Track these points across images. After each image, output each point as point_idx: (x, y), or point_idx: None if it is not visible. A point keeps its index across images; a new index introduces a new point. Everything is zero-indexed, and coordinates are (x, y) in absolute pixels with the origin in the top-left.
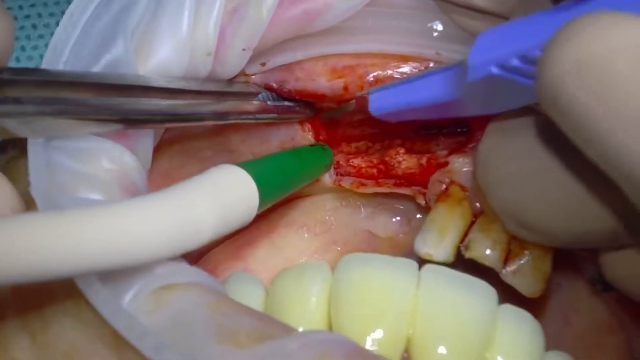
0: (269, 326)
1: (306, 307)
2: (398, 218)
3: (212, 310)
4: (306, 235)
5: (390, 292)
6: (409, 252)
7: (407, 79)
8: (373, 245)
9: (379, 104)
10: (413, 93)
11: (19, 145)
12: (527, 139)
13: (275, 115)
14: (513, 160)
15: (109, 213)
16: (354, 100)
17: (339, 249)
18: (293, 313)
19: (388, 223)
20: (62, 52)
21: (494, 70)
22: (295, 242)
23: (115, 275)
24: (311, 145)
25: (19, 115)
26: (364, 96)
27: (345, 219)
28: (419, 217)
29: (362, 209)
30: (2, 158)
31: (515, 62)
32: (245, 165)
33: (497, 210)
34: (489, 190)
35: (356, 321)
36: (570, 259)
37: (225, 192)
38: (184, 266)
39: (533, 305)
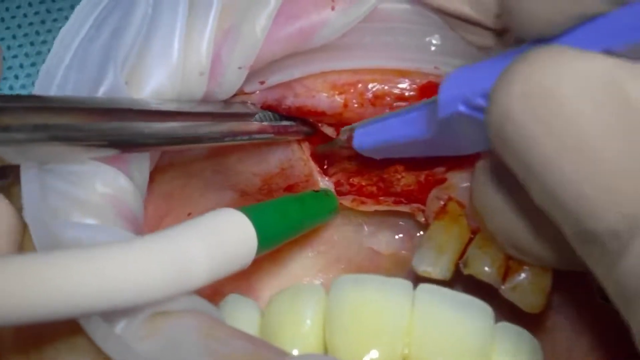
0: (262, 350)
1: (301, 329)
2: (400, 235)
3: (205, 336)
4: (310, 254)
5: (384, 312)
6: (412, 269)
7: (390, 114)
8: (376, 262)
9: (363, 140)
10: (393, 130)
11: (13, 170)
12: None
13: (272, 135)
14: (503, 194)
15: (101, 256)
16: (340, 137)
17: (343, 267)
18: (288, 335)
19: (390, 240)
20: (54, 77)
21: (461, 108)
22: (300, 260)
23: None
24: (315, 192)
25: (9, 143)
26: (350, 132)
27: (348, 237)
28: (421, 234)
29: (365, 227)
30: (3, 182)
31: (479, 100)
32: (245, 209)
33: (493, 235)
34: (486, 218)
35: (351, 342)
36: (577, 273)
37: (222, 236)
38: None
39: (541, 320)
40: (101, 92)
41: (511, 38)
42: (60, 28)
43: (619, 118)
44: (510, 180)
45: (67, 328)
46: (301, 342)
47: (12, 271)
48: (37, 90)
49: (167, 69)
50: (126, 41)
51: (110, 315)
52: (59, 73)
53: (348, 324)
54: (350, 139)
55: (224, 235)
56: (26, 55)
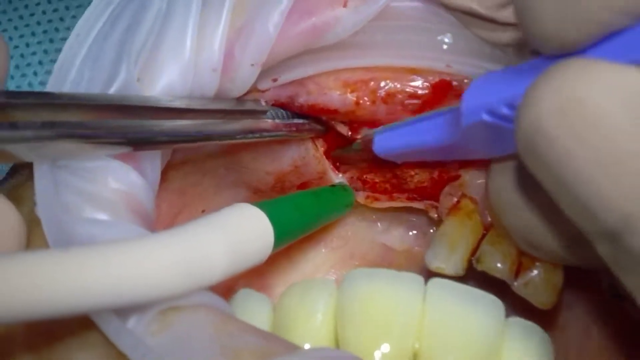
0: (273, 344)
1: (312, 323)
2: (414, 231)
3: (216, 330)
4: (323, 250)
5: (396, 306)
6: (425, 265)
7: (411, 120)
8: (389, 258)
9: (384, 144)
10: (415, 135)
11: (28, 167)
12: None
13: (285, 132)
14: (520, 191)
15: (119, 252)
16: (360, 140)
17: (356, 263)
18: (299, 330)
19: (404, 236)
20: (68, 72)
21: (485, 117)
22: (313, 256)
23: None
24: (332, 186)
25: (16, 140)
26: (368, 137)
27: (362, 233)
28: (434, 230)
29: (379, 223)
30: (11, 181)
31: (504, 109)
32: (262, 205)
33: (509, 232)
34: (502, 215)
35: (362, 336)
36: (589, 270)
37: (239, 231)
38: None
39: (554, 317)
40: (113, 88)
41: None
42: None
43: None
44: (528, 179)
45: (78, 324)
46: (313, 336)
47: (28, 267)
48: (50, 86)
49: (179, 65)
50: (139, 37)
51: (123, 310)
52: (73, 69)
53: (359, 318)
54: (368, 143)
55: (241, 230)
56: (45, 52)
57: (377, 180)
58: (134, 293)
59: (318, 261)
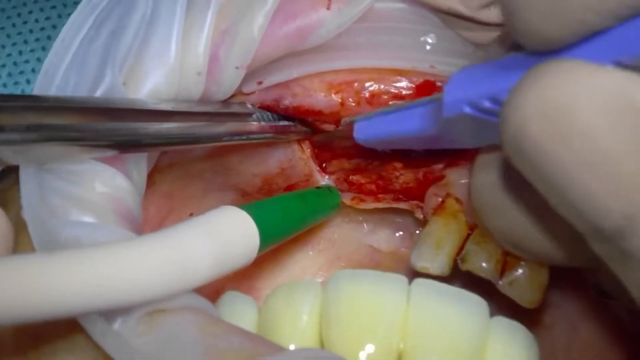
0: (258, 345)
1: (297, 325)
2: (400, 233)
3: (201, 332)
4: (310, 252)
5: (380, 307)
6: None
7: (392, 109)
8: (376, 260)
9: (364, 132)
10: (395, 124)
11: (14, 171)
12: (513, 172)
13: (271, 135)
14: (502, 192)
15: (103, 255)
16: (341, 127)
17: (343, 264)
18: (284, 331)
19: (390, 238)
20: (53, 77)
21: (467, 109)
22: (300, 259)
23: None
24: (318, 188)
25: (1, 143)
26: (350, 123)
27: (349, 235)
28: (421, 231)
29: (365, 225)
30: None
31: (486, 103)
32: (247, 207)
33: (492, 233)
34: (484, 217)
35: (347, 337)
36: (575, 269)
37: (225, 234)
38: None
39: (541, 316)
40: (99, 92)
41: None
42: (53, 25)
43: (635, 131)
44: (509, 180)
45: (65, 326)
46: (298, 337)
47: (14, 271)
48: (36, 91)
49: (164, 68)
50: (124, 42)
51: (110, 312)
52: (59, 74)
53: (344, 319)
54: (350, 130)
55: (226, 232)
56: (38, 59)
57: (362, 181)
58: (118, 296)
59: (305, 263)
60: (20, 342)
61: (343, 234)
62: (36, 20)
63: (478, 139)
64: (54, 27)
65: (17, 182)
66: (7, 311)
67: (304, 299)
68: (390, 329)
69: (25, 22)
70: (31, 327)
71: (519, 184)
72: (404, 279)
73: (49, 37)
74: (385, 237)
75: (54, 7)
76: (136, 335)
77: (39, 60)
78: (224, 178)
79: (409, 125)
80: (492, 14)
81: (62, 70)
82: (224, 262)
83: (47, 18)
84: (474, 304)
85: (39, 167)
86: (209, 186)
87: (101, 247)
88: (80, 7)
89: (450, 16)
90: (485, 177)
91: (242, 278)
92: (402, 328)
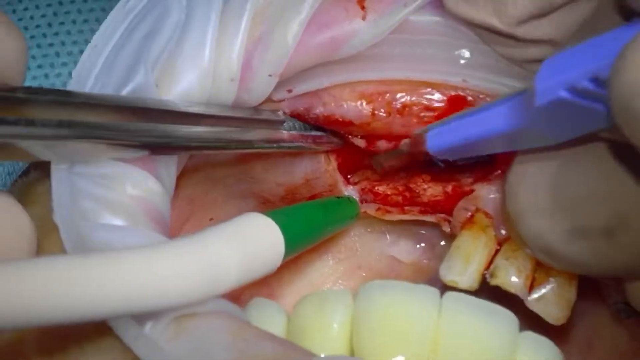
0: (291, 351)
1: (328, 334)
2: (422, 244)
3: (233, 336)
4: (331, 260)
5: (412, 318)
6: (433, 278)
7: (467, 112)
8: (397, 270)
9: (437, 141)
10: (475, 126)
11: (40, 168)
12: (559, 168)
13: (301, 144)
14: (544, 190)
15: (133, 259)
16: (408, 140)
17: (364, 274)
18: (315, 340)
19: (412, 249)
20: (85, 82)
21: (563, 93)
22: (320, 267)
23: None
24: (338, 197)
25: (33, 138)
26: (418, 136)
27: (370, 245)
28: (443, 244)
29: (387, 235)
30: (23, 181)
31: (585, 83)
32: (273, 214)
33: (526, 239)
34: (518, 220)
35: (379, 347)
36: (594, 286)
37: (251, 241)
38: None
39: (557, 331)
40: (130, 88)
41: (551, 47)
42: (91, 29)
43: None
44: (546, 182)
45: (93, 328)
46: (328, 346)
47: (47, 272)
48: None
49: (197, 71)
50: (158, 44)
51: (139, 316)
52: (91, 78)
53: (375, 329)
54: (417, 143)
55: (253, 239)
56: (57, 54)
57: (388, 192)
58: (148, 301)
59: (325, 272)
60: (45, 343)
61: (365, 243)
62: (54, 14)
63: (568, 131)
64: (74, 22)
65: (40, 179)
66: (39, 313)
67: (335, 308)
68: (421, 340)
69: (43, 15)
70: (59, 329)
71: (553, 187)
72: (435, 291)
73: (68, 32)
74: (406, 248)
75: (73, 1)
76: (167, 339)
77: (58, 55)
78: (247, 185)
79: (491, 126)
80: (529, 30)
81: (94, 74)
82: (251, 269)
83: (67, 12)
84: (504, 318)
85: (70, 170)
86: (231, 192)
87: (133, 251)
88: (112, 13)
89: (486, 31)
90: (524, 177)
91: (262, 286)
92: (433, 340)
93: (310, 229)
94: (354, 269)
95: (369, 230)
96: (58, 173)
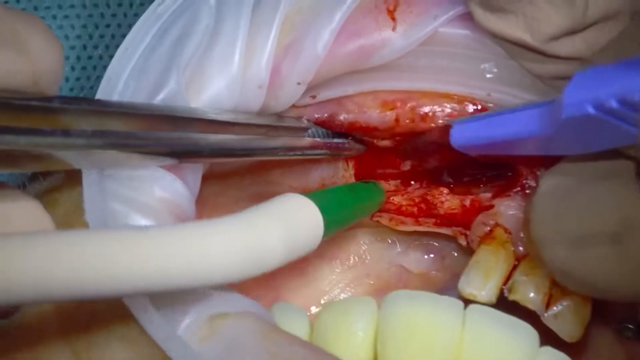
0: (321, 357)
1: (352, 341)
2: (432, 255)
3: (264, 339)
4: (339, 268)
5: (436, 329)
6: (441, 289)
7: (496, 112)
8: (405, 280)
9: (463, 135)
10: (501, 127)
11: (54, 175)
12: (592, 192)
13: (325, 151)
14: (564, 222)
15: (184, 234)
16: (433, 129)
17: (372, 282)
18: (339, 347)
19: (421, 259)
20: (116, 85)
21: (590, 110)
22: (327, 273)
23: (170, 301)
24: (364, 182)
25: (68, 148)
26: (444, 127)
27: (379, 254)
28: (454, 255)
29: (397, 245)
30: (43, 182)
31: (613, 104)
32: (310, 196)
33: (547, 262)
34: (544, 246)
35: (403, 357)
36: (597, 305)
37: (294, 220)
38: (237, 295)
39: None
40: (162, 96)
41: (580, 64)
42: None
43: None
44: (586, 198)
45: (119, 323)
46: (352, 353)
47: (111, 244)
48: (98, 97)
49: (226, 78)
50: (188, 49)
51: (171, 314)
52: (121, 81)
53: (400, 338)
54: (442, 133)
55: (296, 219)
56: (78, 58)
57: (404, 203)
58: (198, 276)
59: (333, 279)
60: (69, 334)
61: (374, 252)
62: (77, 16)
63: (593, 144)
64: (96, 26)
65: (65, 181)
66: (99, 285)
67: (360, 316)
68: (445, 350)
69: (66, 16)
70: (80, 321)
71: (592, 206)
72: (460, 303)
73: (90, 36)
74: (416, 259)
75: (96, 5)
76: (198, 340)
77: (79, 59)
78: (261, 188)
79: (517, 128)
80: (560, 47)
81: (124, 78)
82: (295, 248)
83: (90, 15)
84: (525, 333)
85: (100, 172)
86: (243, 195)
87: (183, 226)
88: (143, 17)
89: (515, 46)
90: (547, 207)
91: (268, 289)
92: (457, 351)
93: (345, 210)
94: (362, 277)
95: (378, 239)
96: (89, 176)
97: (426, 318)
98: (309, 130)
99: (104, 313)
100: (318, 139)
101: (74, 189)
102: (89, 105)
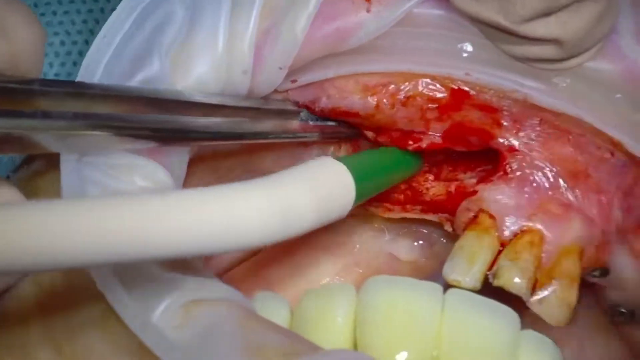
0: (297, 343)
1: (332, 328)
2: (421, 242)
3: (240, 326)
4: (329, 256)
5: (415, 314)
6: (431, 276)
7: None
8: (395, 268)
9: None
10: None
11: (44, 159)
12: None
13: (318, 134)
14: None
15: (217, 196)
16: None
17: (361, 271)
18: (319, 333)
19: (410, 247)
20: (94, 72)
21: None
22: (317, 263)
23: (145, 288)
24: (400, 148)
25: (49, 129)
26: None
27: (368, 242)
28: (443, 242)
29: (386, 232)
30: (26, 170)
31: None
32: (343, 160)
33: None
34: None
35: (382, 342)
36: (590, 290)
37: (326, 184)
38: (214, 282)
39: (550, 333)
40: (143, 76)
41: (555, 46)
42: (72, 20)
43: None
44: None
45: (99, 314)
46: (332, 340)
47: (138, 208)
48: None
49: (211, 60)
50: (169, 34)
51: (146, 302)
52: (100, 68)
53: (379, 324)
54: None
55: (327, 183)
56: (62, 43)
57: (390, 190)
58: (230, 239)
59: (323, 268)
60: (49, 325)
61: (363, 240)
62: (59, 2)
63: None
64: (78, 11)
65: (47, 169)
66: (130, 250)
67: (339, 302)
68: (425, 336)
69: (47, 3)
70: (61, 313)
71: None
72: (439, 288)
73: (72, 22)
74: (405, 246)
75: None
76: (174, 327)
77: (63, 44)
78: (252, 176)
79: None
80: (534, 28)
81: (103, 64)
82: (325, 213)
83: (71, 2)
84: (506, 316)
85: (79, 160)
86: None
87: (212, 189)
88: (121, 5)
89: (490, 28)
90: None
91: (258, 279)
92: (437, 336)
93: (377, 175)
94: (351, 265)
95: (367, 227)
96: (67, 163)
97: (405, 303)
98: (301, 114)
99: (83, 303)
100: (311, 122)
101: (56, 175)
102: (71, 87)
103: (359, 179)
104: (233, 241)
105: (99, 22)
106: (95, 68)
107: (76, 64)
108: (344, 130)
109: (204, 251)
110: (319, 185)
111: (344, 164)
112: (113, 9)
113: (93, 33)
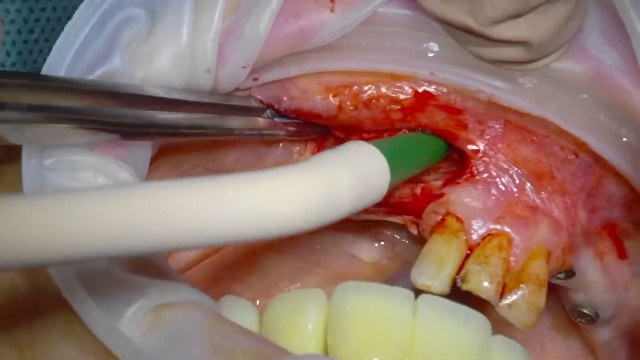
0: (265, 347)
1: (302, 334)
2: (382, 243)
3: (208, 329)
4: (289, 258)
5: (387, 320)
6: (392, 277)
7: None
8: (356, 269)
9: None
10: None
11: (4, 147)
12: None
13: (284, 132)
14: None
15: (258, 181)
16: None
17: (322, 272)
18: (289, 339)
19: (372, 248)
20: (57, 72)
21: None
22: (278, 264)
23: (111, 293)
24: (427, 134)
25: (2, 121)
26: None
27: (329, 243)
28: (405, 243)
29: (347, 234)
30: None
31: None
32: (376, 144)
33: None
34: None
35: (354, 349)
36: (552, 291)
37: (364, 168)
38: (182, 285)
39: (512, 334)
40: (103, 71)
41: (524, 48)
42: (30, 8)
43: None
44: None
45: (62, 317)
46: (302, 346)
47: (179, 195)
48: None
49: (174, 53)
50: (132, 31)
51: (114, 307)
52: (63, 68)
53: (350, 331)
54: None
55: (365, 166)
56: (19, 32)
57: None
58: (266, 225)
59: (283, 269)
60: (13, 331)
61: (324, 241)
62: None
63: None
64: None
65: (8, 157)
66: (169, 236)
67: (309, 308)
68: (396, 342)
69: None
70: (24, 316)
71: None
72: (410, 294)
73: (30, 10)
74: (366, 247)
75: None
76: (143, 332)
77: (20, 32)
78: (217, 172)
79: None
80: (503, 30)
81: (66, 64)
82: (362, 197)
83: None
84: (477, 322)
85: (40, 163)
86: None
87: (251, 174)
88: (81, 7)
89: (458, 30)
90: None
91: (217, 282)
92: (408, 342)
93: (409, 160)
94: (311, 266)
95: (328, 227)
96: (29, 167)
97: (376, 310)
98: (267, 111)
99: (46, 307)
100: (277, 119)
101: (17, 161)
102: (28, 79)
103: (392, 162)
104: (276, 228)
105: (56, 10)
106: (58, 69)
107: (32, 53)
108: (310, 130)
109: (243, 239)
110: (356, 169)
111: (378, 147)
112: None
113: (50, 20)
